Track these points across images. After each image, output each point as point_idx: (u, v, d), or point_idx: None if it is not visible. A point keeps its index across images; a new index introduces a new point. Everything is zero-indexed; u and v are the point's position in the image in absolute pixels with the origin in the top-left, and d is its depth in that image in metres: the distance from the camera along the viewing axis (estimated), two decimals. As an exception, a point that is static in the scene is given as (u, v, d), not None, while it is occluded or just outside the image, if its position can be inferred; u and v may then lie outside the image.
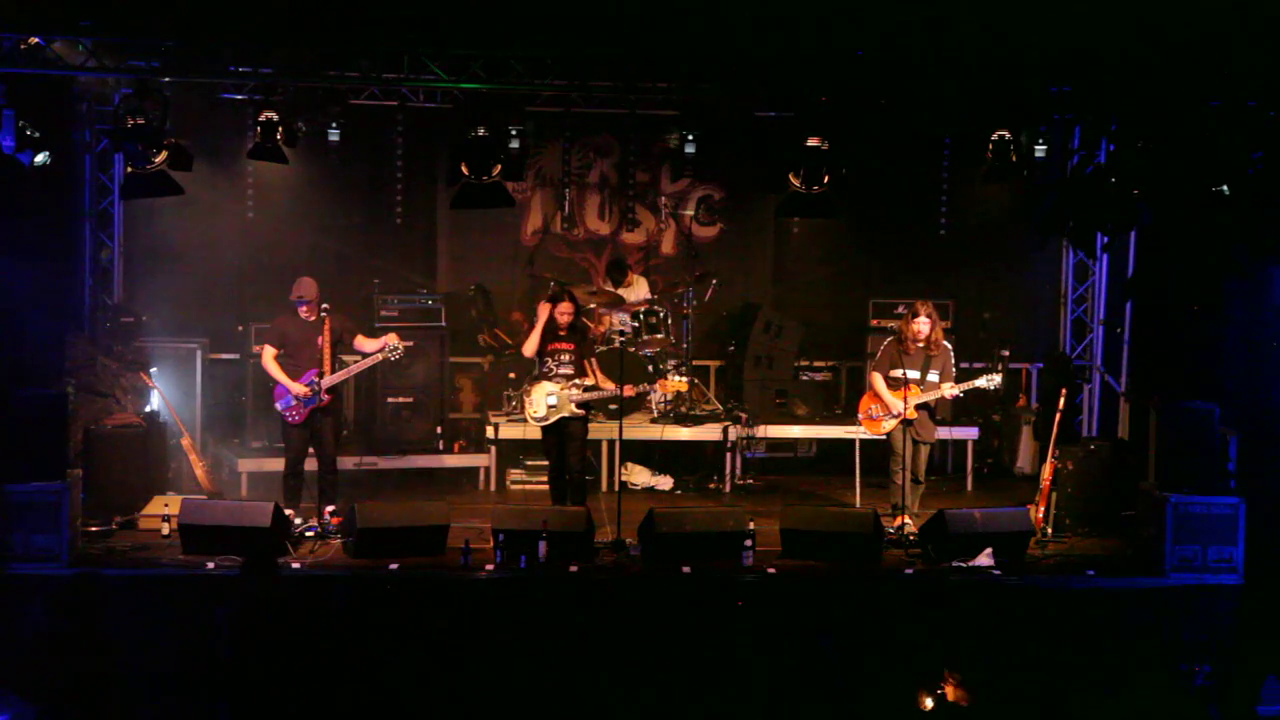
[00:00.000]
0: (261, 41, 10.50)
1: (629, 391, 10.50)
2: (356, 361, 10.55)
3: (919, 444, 10.45)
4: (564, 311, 10.49)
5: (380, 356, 10.46)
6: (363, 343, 10.47)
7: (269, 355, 10.37)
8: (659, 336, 12.46)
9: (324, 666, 8.75)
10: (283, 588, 8.77)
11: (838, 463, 11.62)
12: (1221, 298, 11.34)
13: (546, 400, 10.46)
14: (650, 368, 12.48)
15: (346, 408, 12.50)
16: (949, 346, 10.57)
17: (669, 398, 12.41)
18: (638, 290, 13.01)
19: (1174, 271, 11.78)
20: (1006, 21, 10.11)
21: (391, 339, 10.41)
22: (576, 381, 10.45)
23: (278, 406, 10.36)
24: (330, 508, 10.35)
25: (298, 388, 10.23)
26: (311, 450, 10.46)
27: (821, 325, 13.56)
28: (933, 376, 10.38)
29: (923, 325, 10.36)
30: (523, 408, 10.79)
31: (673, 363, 12.57)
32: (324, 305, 10.34)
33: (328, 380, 10.29)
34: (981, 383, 10.42)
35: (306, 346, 10.32)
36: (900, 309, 10.83)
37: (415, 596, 9.29)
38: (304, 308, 10.30)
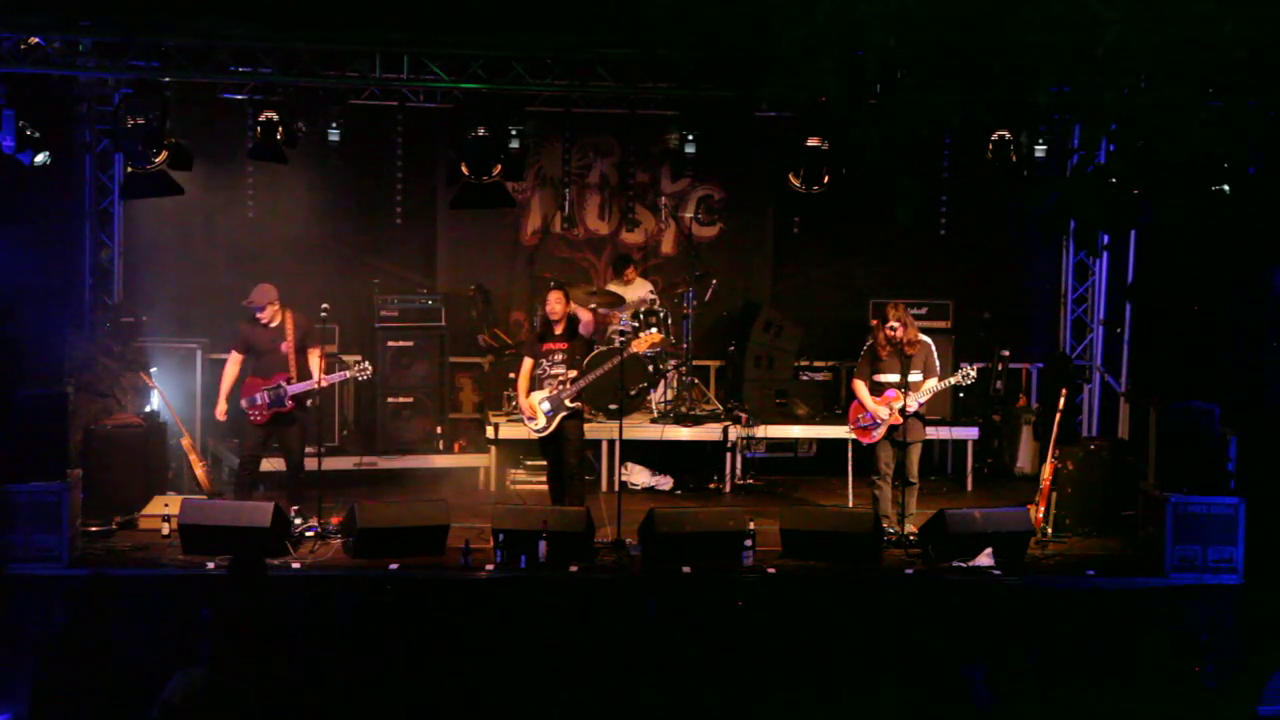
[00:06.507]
0: (261, 41, 10.49)
1: (637, 347, 10.76)
2: (318, 375, 10.49)
3: (909, 445, 10.40)
4: (552, 302, 10.53)
5: (351, 374, 10.62)
6: (313, 356, 10.51)
7: (230, 361, 10.53)
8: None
9: (320, 667, 8.74)
10: (271, 590, 8.74)
11: (838, 463, 11.62)
12: (1222, 298, 11.34)
13: (542, 409, 10.48)
14: (650, 368, 12.48)
15: (346, 408, 12.51)
16: (928, 341, 10.49)
17: (654, 360, 12.35)
18: (639, 289, 13.00)
19: (1174, 271, 11.79)
20: (1007, 21, 10.09)
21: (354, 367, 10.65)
22: (562, 379, 10.46)
23: (242, 404, 10.43)
24: (295, 508, 10.44)
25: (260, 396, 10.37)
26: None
27: (821, 325, 13.55)
28: (915, 376, 10.33)
29: (894, 328, 10.31)
30: (523, 423, 10.85)
31: (651, 317, 12.45)
32: (282, 305, 10.42)
33: (293, 388, 10.37)
34: (954, 381, 10.39)
35: (271, 353, 10.40)
36: (874, 321, 10.79)
37: (415, 596, 9.29)
38: (263, 314, 10.34)
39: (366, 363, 10.86)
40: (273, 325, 10.36)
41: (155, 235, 12.57)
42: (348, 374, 10.66)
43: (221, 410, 10.54)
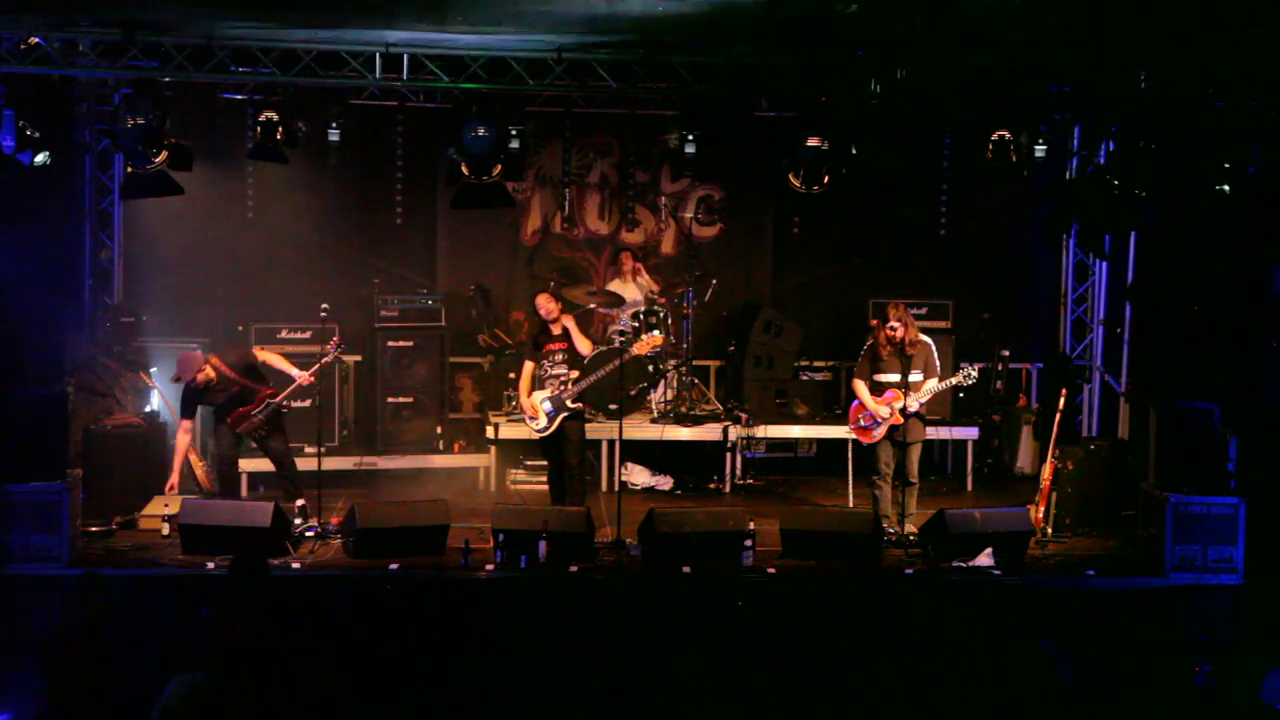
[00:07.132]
0: (261, 41, 10.47)
1: (639, 349, 10.67)
2: (299, 373, 10.42)
3: (909, 445, 10.40)
4: (541, 303, 10.59)
5: (330, 358, 10.52)
6: (267, 355, 10.52)
7: (182, 430, 10.46)
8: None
9: (319, 668, 8.73)
10: (271, 589, 8.75)
11: (838, 463, 11.61)
12: (1222, 298, 11.34)
13: (544, 409, 10.48)
14: (650, 368, 12.48)
15: (346, 408, 12.51)
16: (928, 341, 10.49)
17: (654, 360, 12.34)
18: (637, 287, 13.00)
19: (1174, 271, 11.79)
20: (1006, 21, 10.09)
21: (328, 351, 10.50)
22: (564, 380, 10.46)
23: (240, 430, 10.43)
24: (300, 502, 10.47)
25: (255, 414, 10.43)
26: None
27: (821, 325, 13.55)
28: (915, 376, 10.32)
29: (895, 328, 10.31)
30: (524, 422, 10.86)
31: (650, 318, 12.45)
32: (205, 361, 10.37)
33: (281, 398, 10.40)
34: (957, 380, 10.39)
35: (232, 397, 10.41)
36: (875, 321, 10.80)
37: (415, 596, 9.29)
38: (197, 381, 10.31)
39: (335, 336, 10.54)
40: (215, 383, 10.36)
41: (155, 235, 12.56)
42: (326, 359, 10.47)
43: (171, 483, 10.48)
